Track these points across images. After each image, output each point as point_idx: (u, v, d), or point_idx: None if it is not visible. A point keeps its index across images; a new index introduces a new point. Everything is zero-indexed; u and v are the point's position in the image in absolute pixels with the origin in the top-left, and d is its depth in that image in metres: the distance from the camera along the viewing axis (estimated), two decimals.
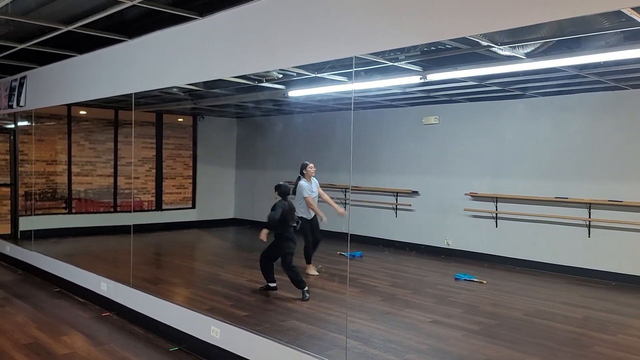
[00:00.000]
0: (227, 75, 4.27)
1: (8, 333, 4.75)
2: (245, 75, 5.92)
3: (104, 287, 5.52)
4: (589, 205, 6.97)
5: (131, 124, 10.51)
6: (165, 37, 4.76)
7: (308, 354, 3.46)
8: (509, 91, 7.05)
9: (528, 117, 7.60)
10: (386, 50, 5.03)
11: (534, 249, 7.45)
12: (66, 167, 9.80)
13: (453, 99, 7.94)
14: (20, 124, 8.61)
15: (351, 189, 9.38)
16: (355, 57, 3.61)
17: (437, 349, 4.33)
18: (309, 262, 6.78)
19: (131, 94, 5.22)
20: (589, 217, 6.96)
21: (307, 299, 5.56)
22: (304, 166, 6.75)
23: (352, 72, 5.85)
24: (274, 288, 5.93)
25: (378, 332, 4.80)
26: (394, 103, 8.64)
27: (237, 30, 4.05)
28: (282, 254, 5.69)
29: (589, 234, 6.99)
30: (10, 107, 7.46)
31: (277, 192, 5.87)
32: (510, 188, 7.73)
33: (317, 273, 6.82)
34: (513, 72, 5.62)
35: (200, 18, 4.35)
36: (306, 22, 3.55)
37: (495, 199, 7.87)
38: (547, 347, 4.38)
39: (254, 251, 7.66)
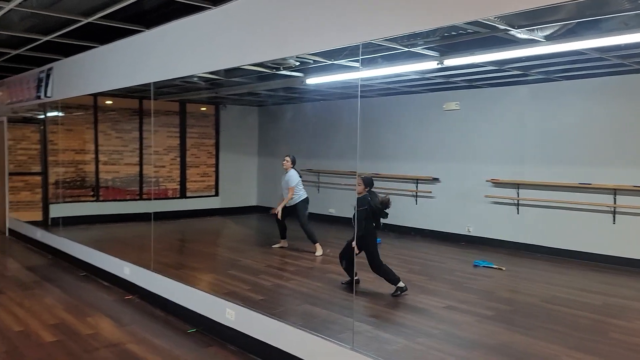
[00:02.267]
0: (239, 64, 4.33)
1: (37, 314, 4.97)
2: (262, 63, 5.97)
3: (127, 271, 5.71)
4: (614, 192, 6.83)
5: (156, 113, 10.72)
6: (181, 26, 4.86)
7: (317, 336, 3.54)
8: (531, 75, 6.94)
9: (551, 101, 7.46)
10: (405, 36, 5.02)
11: (557, 236, 7.35)
12: (94, 156, 10.07)
13: (474, 84, 7.85)
14: (49, 114, 8.87)
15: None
16: (369, 42, 3.63)
17: (449, 334, 4.35)
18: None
19: (150, 83, 5.34)
20: (614, 203, 6.83)
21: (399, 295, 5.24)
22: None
23: (366, 58, 5.87)
24: (358, 281, 5.50)
25: (391, 317, 4.85)
26: (414, 89, 8.59)
27: (248, 19, 4.11)
28: (371, 251, 5.25)
29: (614, 221, 6.86)
30: (39, 97, 7.71)
31: (364, 187, 5.33)
32: (532, 174, 7.62)
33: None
34: (532, 55, 5.53)
35: (214, 7, 4.42)
36: (314, 8, 3.58)
37: (517, 186, 7.77)
38: (561, 332, 4.36)
39: (274, 238, 7.79)
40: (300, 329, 3.67)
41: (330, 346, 3.41)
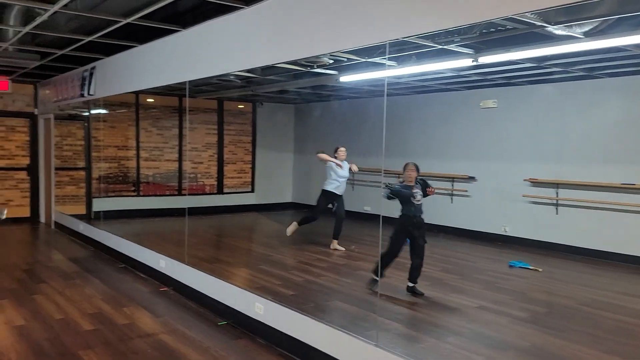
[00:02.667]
0: (270, 62, 4.39)
1: (77, 303, 5.19)
2: (295, 61, 6.03)
3: (163, 264, 5.89)
4: None
5: (195, 110, 10.96)
6: (215, 26, 4.96)
7: (341, 331, 3.57)
8: (572, 72, 6.75)
9: (592, 99, 7.24)
10: (440, 33, 4.99)
11: (597, 237, 7.12)
12: (135, 152, 10.38)
13: (512, 81, 7.70)
14: (93, 111, 9.19)
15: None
16: (402, 40, 3.63)
17: (479, 334, 4.31)
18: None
19: (185, 82, 5.48)
20: None
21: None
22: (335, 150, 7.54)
23: (400, 55, 5.85)
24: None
25: (421, 316, 4.83)
26: (450, 87, 8.49)
27: (279, 18, 4.18)
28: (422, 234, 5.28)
29: None
30: (82, 95, 8.01)
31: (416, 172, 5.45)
32: (572, 174, 7.41)
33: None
34: (571, 52, 5.39)
35: (246, 7, 4.50)
36: (344, 6, 3.61)
37: (556, 185, 7.58)
38: (594, 335, 4.25)
39: (309, 234, 7.86)
40: (325, 324, 3.71)
41: (354, 342, 3.44)
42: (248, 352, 4.09)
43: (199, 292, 5.18)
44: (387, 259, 5.22)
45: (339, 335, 3.57)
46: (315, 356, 3.72)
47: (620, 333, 4.36)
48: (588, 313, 4.84)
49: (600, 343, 4.09)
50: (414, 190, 5.29)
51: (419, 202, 5.28)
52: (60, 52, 6.96)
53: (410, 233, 5.25)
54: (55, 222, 9.77)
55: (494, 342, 4.16)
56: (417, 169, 5.43)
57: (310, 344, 3.78)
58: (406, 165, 5.48)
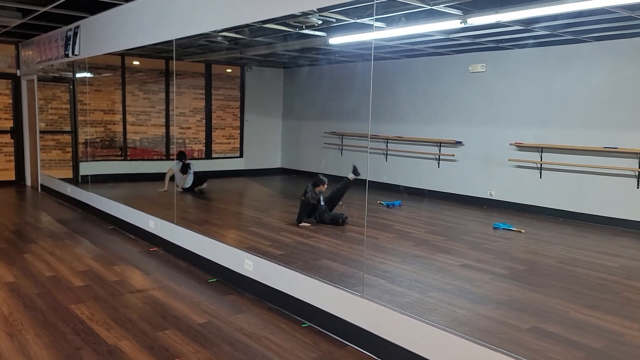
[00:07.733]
0: (257, 19, 4.35)
1: (67, 262, 5.24)
2: (284, 22, 5.97)
3: (152, 224, 5.93)
4: (639, 155, 6.70)
5: (182, 74, 10.83)
6: None
7: (329, 284, 3.66)
8: (558, 36, 6.77)
9: (578, 63, 7.28)
10: None
11: (579, 200, 7.28)
12: (122, 116, 10.28)
13: (500, 45, 7.71)
14: (78, 74, 9.04)
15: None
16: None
17: (462, 289, 4.43)
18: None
19: (172, 41, 5.41)
20: (639, 168, 6.71)
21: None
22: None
23: (389, 17, 5.82)
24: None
25: (406, 273, 4.94)
26: (439, 51, 8.48)
27: None
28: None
29: (638, 185, 6.76)
30: (67, 56, 7.87)
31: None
32: (557, 138, 7.52)
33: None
34: (557, 14, 5.41)
35: None
36: None
37: (541, 149, 7.68)
38: (574, 291, 4.40)
39: (297, 198, 7.90)
40: (313, 278, 3.80)
41: (341, 294, 3.54)
42: (237, 306, 4.18)
43: (189, 251, 5.24)
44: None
45: (325, 288, 3.66)
46: (303, 308, 3.82)
47: (600, 289, 4.51)
48: (568, 270, 4.99)
49: (579, 298, 4.24)
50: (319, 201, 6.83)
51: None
52: (42, 10, 6.80)
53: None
54: (42, 185, 9.72)
55: (476, 297, 4.29)
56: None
57: (298, 297, 3.87)
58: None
